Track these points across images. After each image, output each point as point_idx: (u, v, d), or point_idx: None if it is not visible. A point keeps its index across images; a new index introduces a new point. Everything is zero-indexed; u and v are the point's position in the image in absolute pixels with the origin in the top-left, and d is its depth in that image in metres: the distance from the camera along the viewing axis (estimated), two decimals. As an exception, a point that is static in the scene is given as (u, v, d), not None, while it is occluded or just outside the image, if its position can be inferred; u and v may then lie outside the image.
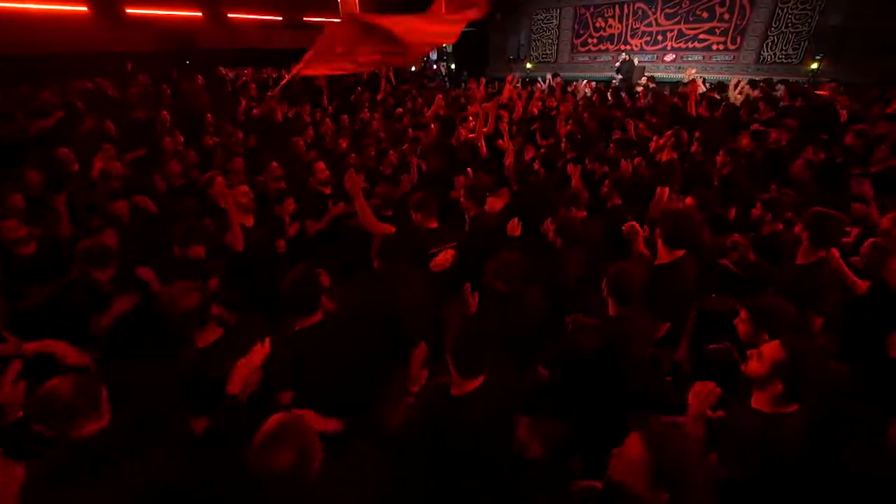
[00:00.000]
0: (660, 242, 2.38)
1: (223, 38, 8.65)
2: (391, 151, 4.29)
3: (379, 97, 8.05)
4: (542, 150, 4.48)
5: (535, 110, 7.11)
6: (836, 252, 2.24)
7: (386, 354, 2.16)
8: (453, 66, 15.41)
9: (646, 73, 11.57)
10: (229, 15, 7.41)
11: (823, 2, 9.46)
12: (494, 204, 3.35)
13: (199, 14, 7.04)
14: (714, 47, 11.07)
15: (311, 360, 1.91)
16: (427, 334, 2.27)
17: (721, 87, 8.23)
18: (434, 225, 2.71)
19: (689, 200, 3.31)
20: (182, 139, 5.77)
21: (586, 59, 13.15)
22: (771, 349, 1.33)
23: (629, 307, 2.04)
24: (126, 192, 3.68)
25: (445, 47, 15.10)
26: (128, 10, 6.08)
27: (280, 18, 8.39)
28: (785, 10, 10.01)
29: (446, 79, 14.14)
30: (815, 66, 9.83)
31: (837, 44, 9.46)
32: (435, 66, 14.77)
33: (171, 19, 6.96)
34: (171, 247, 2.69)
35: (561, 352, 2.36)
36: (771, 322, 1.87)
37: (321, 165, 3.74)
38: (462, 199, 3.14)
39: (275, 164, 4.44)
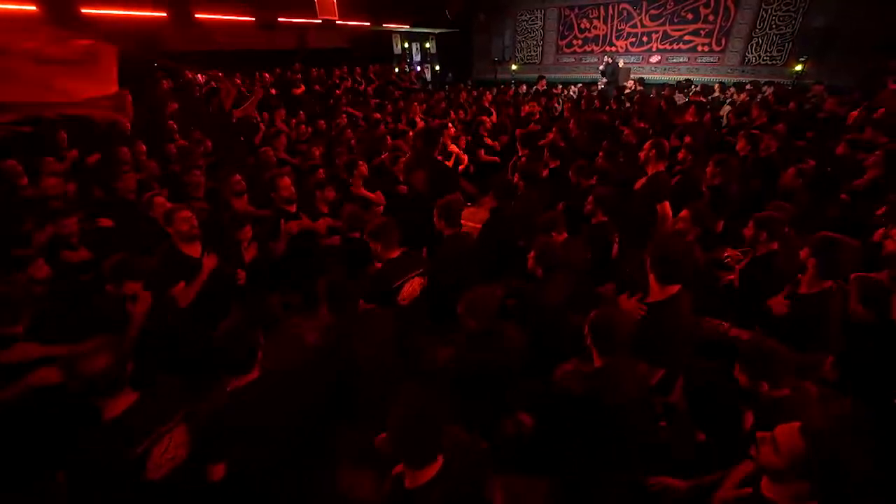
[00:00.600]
0: (651, 278, 2.11)
1: (192, 39, 8.25)
2: (361, 163, 3.97)
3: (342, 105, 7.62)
4: (522, 161, 4.20)
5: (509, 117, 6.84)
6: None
7: (338, 412, 1.86)
8: (437, 68, 15.13)
9: (632, 75, 11.44)
10: (197, 15, 6.99)
11: (807, 3, 9.40)
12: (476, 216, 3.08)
13: (164, 14, 6.61)
14: (699, 49, 10.98)
15: (246, 425, 1.61)
16: (388, 382, 1.98)
17: (707, 90, 8.11)
18: (395, 254, 2.42)
19: (683, 214, 3.09)
20: (144, 148, 5.43)
21: (572, 60, 12.99)
22: (787, 437, 1.07)
23: (615, 357, 1.78)
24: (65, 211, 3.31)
25: (429, 48, 14.83)
26: (83, 10, 5.63)
27: (253, 19, 7.99)
28: (769, 11, 9.95)
29: (430, 83, 13.85)
30: (799, 67, 9.79)
31: (821, 45, 9.42)
32: (418, 69, 14.45)
33: (132, 19, 6.54)
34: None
35: (543, 398, 2.10)
36: (769, 371, 1.64)
37: (286, 181, 3.42)
38: (435, 219, 2.87)
39: (238, 177, 4.12)
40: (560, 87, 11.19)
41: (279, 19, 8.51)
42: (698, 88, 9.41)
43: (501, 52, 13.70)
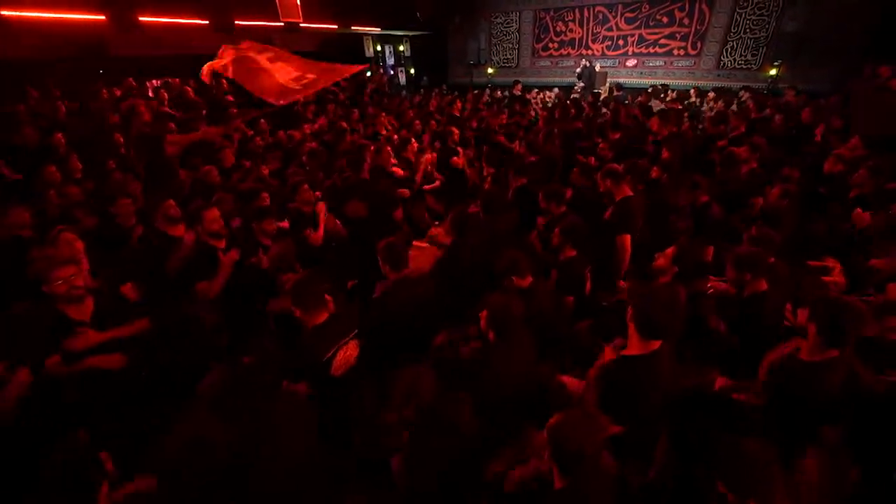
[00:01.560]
0: (632, 328, 1.79)
1: (141, 44, 7.65)
2: (304, 186, 3.54)
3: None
4: (486, 183, 3.82)
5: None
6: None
7: None
8: (412, 72, 14.71)
9: (609, 79, 11.25)
10: (140, 18, 6.42)
11: (780, 7, 9.33)
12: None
13: (102, 17, 6.03)
14: (675, 52, 10.85)
15: None
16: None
17: (683, 96, 7.93)
18: (323, 318, 1.99)
19: (669, 252, 2.76)
20: (79, 166, 4.88)
21: (548, 63, 12.73)
22: None
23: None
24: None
25: (403, 51, 14.40)
26: (3, 12, 5.04)
27: (206, 22, 7.43)
28: (743, 15, 9.87)
29: (404, 87, 13.42)
30: (773, 72, 9.73)
31: (794, 50, 9.37)
32: (392, 72, 14.00)
33: (74, 23, 5.94)
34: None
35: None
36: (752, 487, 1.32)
37: (213, 214, 2.94)
38: (380, 263, 2.47)
39: (171, 202, 3.63)
40: (536, 91, 10.92)
41: (239, 23, 7.95)
42: (674, 95, 9.29)
43: (477, 55, 13.37)
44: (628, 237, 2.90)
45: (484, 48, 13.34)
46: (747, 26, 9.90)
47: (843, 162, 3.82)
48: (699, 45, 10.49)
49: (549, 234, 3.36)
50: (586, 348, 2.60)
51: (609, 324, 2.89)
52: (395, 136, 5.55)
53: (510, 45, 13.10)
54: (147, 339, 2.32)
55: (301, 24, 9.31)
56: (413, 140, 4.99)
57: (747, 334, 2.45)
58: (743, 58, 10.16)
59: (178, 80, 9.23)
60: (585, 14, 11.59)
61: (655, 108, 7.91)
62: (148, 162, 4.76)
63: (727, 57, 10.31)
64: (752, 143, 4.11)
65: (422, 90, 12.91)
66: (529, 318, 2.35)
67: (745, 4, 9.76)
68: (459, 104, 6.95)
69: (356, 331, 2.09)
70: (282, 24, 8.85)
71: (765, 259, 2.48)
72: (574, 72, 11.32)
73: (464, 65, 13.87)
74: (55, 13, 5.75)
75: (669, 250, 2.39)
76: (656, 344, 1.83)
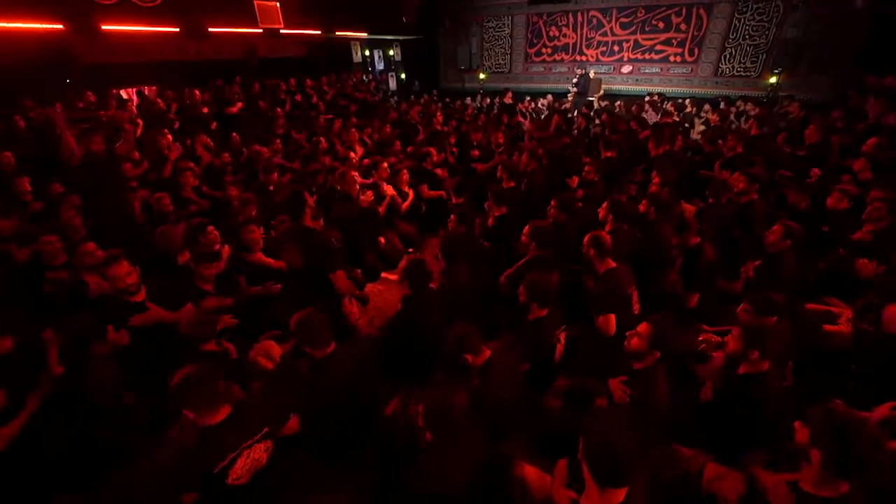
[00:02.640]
0: (587, 475, 1.38)
1: (110, 50, 7.27)
2: (251, 227, 3.16)
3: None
4: (452, 219, 3.44)
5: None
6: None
7: None
8: (403, 76, 14.33)
9: (603, 86, 10.89)
10: (103, 27, 6.05)
11: (780, 14, 8.97)
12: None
13: (59, 26, 5.65)
14: (672, 59, 10.48)
15: None
16: None
17: (679, 107, 7.55)
18: (220, 418, 1.62)
19: (642, 329, 2.36)
20: (28, 188, 4.51)
21: (541, 69, 12.36)
22: None
23: None
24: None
25: (394, 56, 14.02)
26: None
27: (177, 30, 7.06)
28: (742, 21, 9.50)
29: (393, 93, 13.03)
30: (773, 80, 9.36)
31: (794, 57, 9.01)
32: (381, 78, 13.61)
33: (30, 32, 5.57)
34: None
35: None
36: None
37: (121, 269, 2.55)
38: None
39: (90, 246, 3.24)
40: (528, 99, 10.55)
41: (214, 29, 7.58)
42: (671, 107, 8.91)
43: (468, 61, 12.99)
44: (612, 317, 2.51)
45: (476, 53, 12.96)
46: (746, 32, 9.53)
47: (848, 198, 3.45)
48: (696, 51, 10.12)
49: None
50: (557, 431, 2.24)
51: (587, 396, 2.54)
52: (366, 161, 5.15)
53: (502, 51, 12.72)
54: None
55: (281, 31, 8.93)
56: (385, 165, 4.59)
57: (742, 415, 2.10)
58: (742, 65, 9.79)
59: (154, 87, 8.92)
60: (579, 18, 11.21)
61: (651, 121, 7.56)
62: (95, 186, 4.41)
63: (725, 64, 9.94)
64: (751, 173, 3.73)
65: (412, 96, 12.55)
66: (484, 401, 2.01)
67: (745, 10, 9.40)
68: (441, 117, 6.56)
69: (267, 429, 1.73)
70: (260, 30, 8.47)
71: (770, 336, 2.10)
72: (567, 78, 10.95)
73: (455, 70, 13.51)
74: (10, 22, 5.36)
75: (643, 327, 2.02)
76: (619, 495, 1.35)
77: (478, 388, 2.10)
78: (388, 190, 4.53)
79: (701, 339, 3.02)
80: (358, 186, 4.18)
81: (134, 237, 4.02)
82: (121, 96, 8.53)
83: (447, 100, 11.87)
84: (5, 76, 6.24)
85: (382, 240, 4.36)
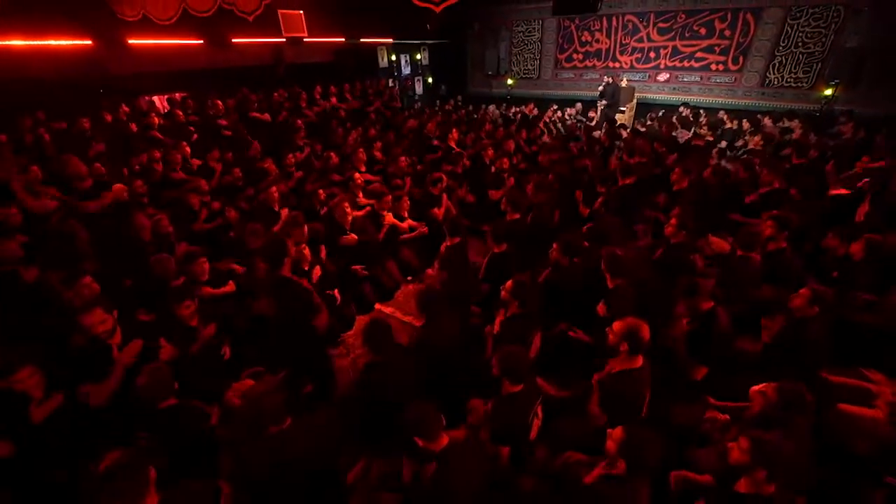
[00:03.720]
0: None
1: (132, 62, 7.48)
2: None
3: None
4: (435, 266, 3.24)
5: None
6: None
7: None
8: (430, 81, 14.16)
9: (637, 95, 10.30)
10: (129, 41, 6.23)
11: (840, 20, 8.11)
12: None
13: (89, 42, 5.86)
14: (713, 67, 9.74)
15: None
16: None
17: (716, 124, 6.92)
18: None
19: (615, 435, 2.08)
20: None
21: (572, 75, 11.85)
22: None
23: None
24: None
25: (421, 60, 13.86)
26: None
27: (201, 42, 7.19)
28: (795, 27, 8.67)
29: (418, 99, 12.90)
30: (829, 92, 8.50)
31: (854, 68, 8.12)
32: (408, 82, 13.49)
33: (47, 50, 5.81)
34: None
35: None
36: None
37: (95, 317, 2.54)
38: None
39: (86, 280, 3.28)
40: (553, 108, 10.12)
41: (237, 40, 7.69)
42: (704, 120, 8.29)
43: (496, 66, 12.65)
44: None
45: (504, 58, 12.59)
46: (800, 39, 8.70)
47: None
48: (741, 59, 9.35)
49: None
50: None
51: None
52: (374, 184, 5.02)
53: (531, 56, 12.29)
54: None
55: (305, 39, 8.95)
56: (387, 196, 4.43)
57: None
58: (792, 75, 8.96)
59: (183, 95, 9.19)
60: (614, 23, 10.63)
61: (682, 139, 7.04)
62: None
63: (774, 74, 9.13)
64: (781, 218, 3.30)
65: (437, 101, 12.37)
66: (440, 492, 1.82)
67: (799, 15, 8.57)
68: (456, 134, 6.32)
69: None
70: (283, 39, 8.53)
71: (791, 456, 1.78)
72: (598, 86, 10.41)
73: (483, 75, 13.20)
74: (42, 40, 5.60)
75: (617, 432, 1.75)
76: None
77: (435, 477, 1.92)
78: (388, 218, 4.38)
79: (707, 416, 2.70)
80: (351, 218, 4.05)
81: (138, 260, 4.06)
82: (152, 103, 8.95)
83: (470, 107, 11.62)
84: (42, 90, 6.54)
85: (386, 265, 4.22)
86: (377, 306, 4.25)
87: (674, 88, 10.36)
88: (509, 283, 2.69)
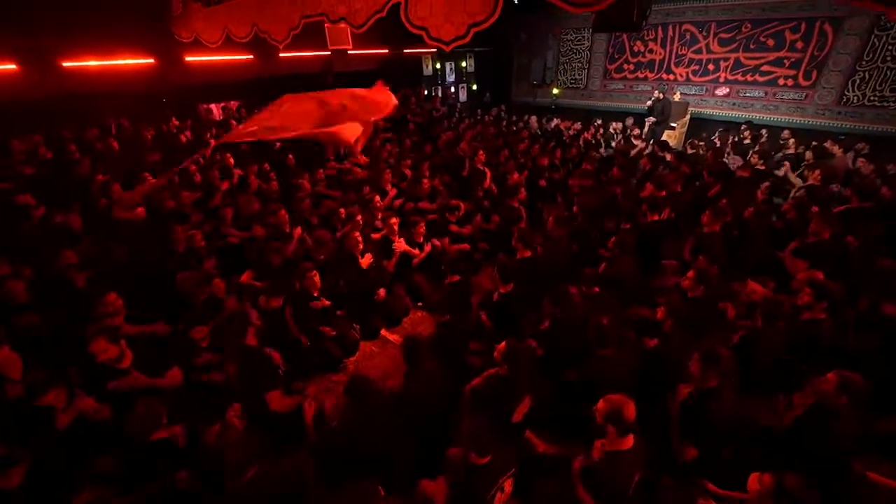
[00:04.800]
0: None
1: (190, 74, 8.07)
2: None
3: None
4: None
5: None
6: None
7: None
8: (475, 87, 14.08)
9: (691, 109, 9.61)
10: (186, 58, 6.77)
11: (940, 32, 7.08)
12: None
13: (151, 60, 6.43)
14: (781, 82, 8.86)
15: None
16: None
17: (767, 153, 6.19)
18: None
19: None
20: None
21: (621, 86, 11.27)
22: None
23: None
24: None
25: (466, 67, 13.81)
26: (64, 64, 5.57)
27: (251, 57, 7.64)
28: (884, 39, 7.67)
29: (459, 107, 12.85)
30: (921, 114, 7.46)
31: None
32: (451, 90, 13.49)
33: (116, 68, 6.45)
34: None
35: None
36: None
37: (99, 346, 2.78)
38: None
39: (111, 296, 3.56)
40: (596, 124, 9.68)
41: (284, 54, 8.08)
42: (765, 139, 7.56)
43: (542, 75, 12.30)
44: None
45: (551, 67, 12.23)
46: (889, 53, 7.68)
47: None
48: (814, 74, 8.42)
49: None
50: None
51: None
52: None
53: (579, 65, 11.83)
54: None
55: (350, 51, 9.22)
56: (392, 219, 4.48)
57: None
58: (877, 93, 7.94)
59: (235, 103, 9.82)
60: (670, 33, 9.97)
61: (734, 166, 6.48)
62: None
63: (853, 91, 8.14)
64: (820, 284, 2.92)
65: (478, 109, 12.27)
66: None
67: (888, 25, 7.57)
68: (483, 156, 6.22)
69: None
70: (329, 52, 8.84)
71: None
72: (651, 98, 9.82)
73: (528, 84, 12.91)
74: (112, 60, 6.22)
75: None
76: None
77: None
78: (400, 246, 4.42)
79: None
80: (361, 246, 4.13)
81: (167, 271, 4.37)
82: (209, 111, 9.64)
83: (513, 117, 11.41)
84: (112, 103, 7.25)
85: (382, 292, 4.27)
86: (383, 332, 4.31)
87: (733, 104, 9.55)
88: (503, 344, 2.61)
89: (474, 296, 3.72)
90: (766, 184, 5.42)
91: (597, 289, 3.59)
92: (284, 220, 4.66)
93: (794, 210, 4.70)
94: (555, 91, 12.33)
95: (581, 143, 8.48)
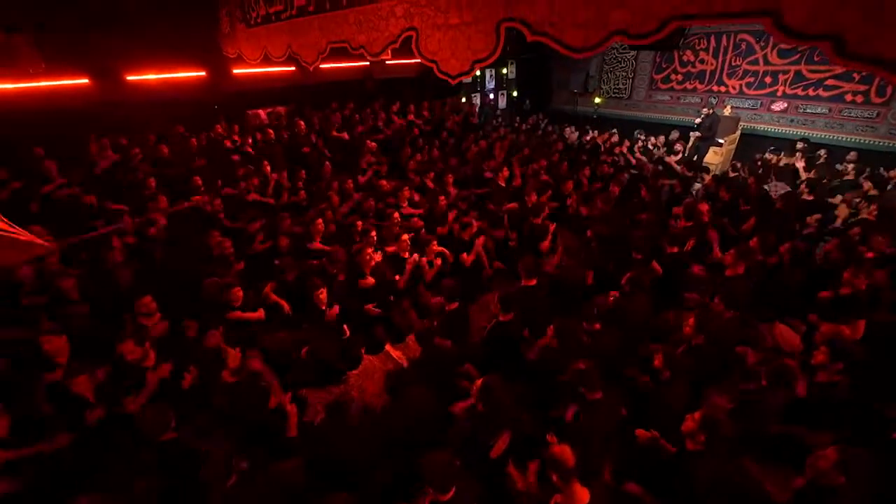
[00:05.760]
0: None
1: (238, 83, 8.60)
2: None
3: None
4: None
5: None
6: None
7: None
8: (515, 94, 13.93)
9: (742, 125, 8.99)
10: (234, 71, 7.29)
11: None
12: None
13: (203, 73, 6.99)
14: (848, 98, 8.06)
15: None
16: None
17: (815, 183, 5.61)
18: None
19: None
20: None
21: (667, 98, 10.72)
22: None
23: None
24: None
25: (507, 74, 13.69)
26: (128, 77, 6.20)
27: (293, 69, 8.06)
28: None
29: (499, 114, 12.78)
30: None
31: None
32: (490, 97, 13.43)
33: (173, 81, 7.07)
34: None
35: None
36: None
37: (127, 346, 3.13)
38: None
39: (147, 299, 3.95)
40: (639, 137, 9.29)
41: (324, 66, 8.44)
42: (822, 160, 6.92)
43: (584, 83, 11.95)
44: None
45: (593, 75, 11.85)
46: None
47: None
48: (889, 90, 7.59)
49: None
50: None
51: None
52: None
53: (623, 74, 11.39)
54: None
55: (388, 62, 9.46)
56: (404, 236, 4.59)
57: None
58: (965, 114, 7.04)
59: (284, 108, 10.37)
60: (723, 42, 9.35)
61: (778, 193, 6.02)
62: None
63: (936, 111, 7.26)
64: (840, 347, 2.67)
65: (517, 118, 12.15)
66: None
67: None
68: (507, 172, 6.17)
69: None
70: (367, 63, 9.12)
71: None
72: (698, 111, 9.27)
73: (568, 92, 12.60)
74: (168, 73, 6.82)
75: None
76: None
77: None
78: (414, 259, 4.51)
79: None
80: (373, 263, 4.28)
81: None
82: (257, 116, 10.26)
83: (550, 128, 11.21)
84: (168, 111, 7.89)
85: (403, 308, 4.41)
86: (387, 347, 4.44)
87: (791, 121, 8.81)
88: (479, 381, 2.65)
89: (474, 322, 3.75)
90: (817, 216, 4.98)
91: (598, 325, 3.49)
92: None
93: (838, 250, 4.31)
94: (597, 100, 11.95)
95: (614, 158, 8.18)
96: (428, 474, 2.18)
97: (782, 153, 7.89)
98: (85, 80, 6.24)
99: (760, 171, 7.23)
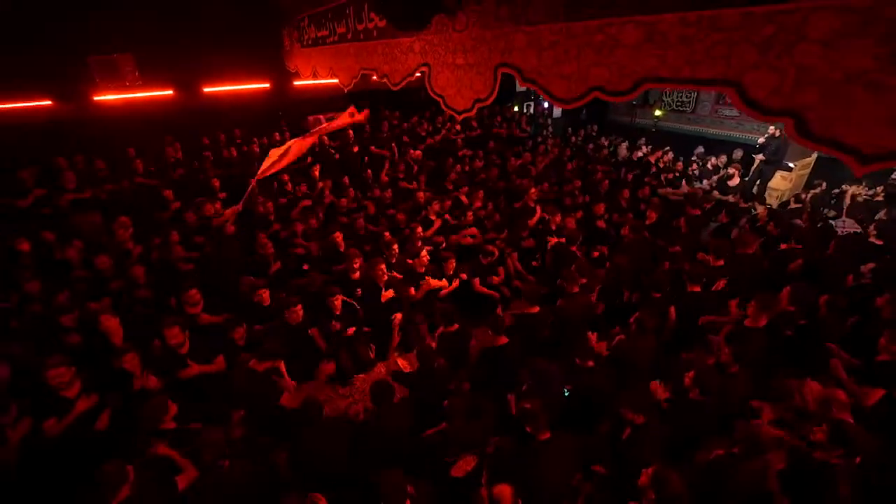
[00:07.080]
0: None
1: (300, 91, 9.31)
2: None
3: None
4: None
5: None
6: None
7: None
8: (571, 104, 13.55)
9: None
10: (295, 83, 7.96)
11: None
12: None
13: (267, 85, 7.72)
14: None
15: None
16: None
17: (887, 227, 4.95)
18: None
19: None
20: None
21: (736, 113, 9.87)
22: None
23: None
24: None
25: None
26: (205, 89, 7.04)
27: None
28: None
29: (550, 124, 12.54)
30: None
31: None
32: (545, 105, 13.21)
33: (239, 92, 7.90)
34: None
35: None
36: None
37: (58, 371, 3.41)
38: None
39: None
40: (699, 157, 8.69)
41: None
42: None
43: (644, 95, 11.38)
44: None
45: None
46: None
47: None
48: None
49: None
50: None
51: None
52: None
53: (688, 87, 10.65)
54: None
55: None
56: (423, 252, 4.80)
57: None
58: None
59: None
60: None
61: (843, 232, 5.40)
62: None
63: None
64: (847, 433, 2.42)
65: (569, 129, 11.85)
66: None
67: None
68: (535, 193, 6.08)
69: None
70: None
71: None
72: (767, 130, 8.47)
73: (627, 103, 12.04)
74: (236, 86, 7.65)
75: None
76: None
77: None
78: (427, 283, 4.71)
79: None
80: (386, 277, 4.54)
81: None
82: (318, 121, 11.03)
83: (602, 140, 10.82)
84: (235, 119, 8.78)
85: (398, 316, 4.64)
86: (394, 356, 4.69)
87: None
88: (445, 402, 2.80)
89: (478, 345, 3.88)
90: (871, 266, 4.46)
91: (591, 362, 3.46)
92: (339, 240, 5.32)
93: (890, 307, 3.83)
94: (657, 112, 11.32)
95: (664, 178, 7.75)
96: (383, 490, 2.38)
97: (863, 183, 6.98)
98: (170, 92, 7.20)
99: (833, 203, 6.47)
